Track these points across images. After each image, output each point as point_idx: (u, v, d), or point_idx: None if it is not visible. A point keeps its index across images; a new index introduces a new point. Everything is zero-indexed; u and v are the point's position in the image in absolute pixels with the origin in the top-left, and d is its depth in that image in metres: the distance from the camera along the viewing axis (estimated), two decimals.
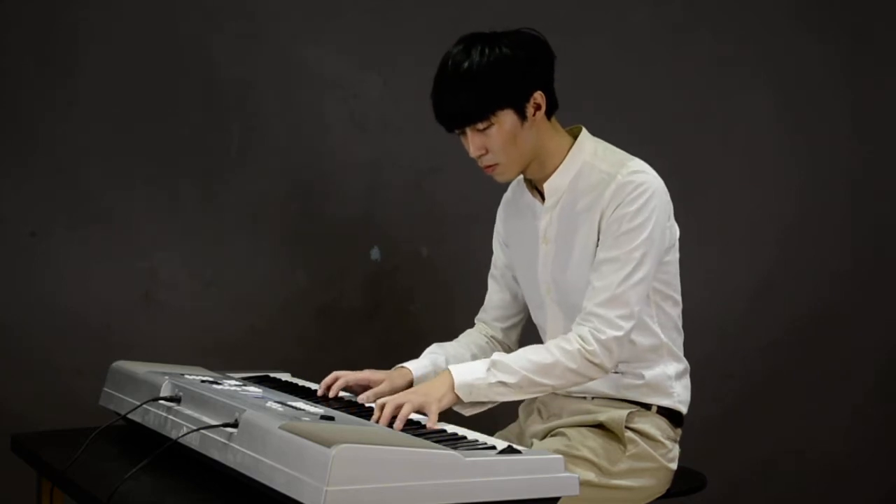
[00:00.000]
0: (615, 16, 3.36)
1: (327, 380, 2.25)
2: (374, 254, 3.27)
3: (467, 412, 2.16)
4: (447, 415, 2.10)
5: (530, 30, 2.24)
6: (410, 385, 2.29)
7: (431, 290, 3.32)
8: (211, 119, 3.09)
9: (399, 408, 2.00)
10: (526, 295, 2.44)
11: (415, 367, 2.32)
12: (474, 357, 2.43)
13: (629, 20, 3.41)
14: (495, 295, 2.52)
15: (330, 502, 1.53)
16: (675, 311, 2.33)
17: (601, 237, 2.20)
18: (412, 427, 1.97)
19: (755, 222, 3.60)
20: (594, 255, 2.22)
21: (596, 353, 2.14)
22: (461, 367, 2.14)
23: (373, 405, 2.19)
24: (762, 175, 3.60)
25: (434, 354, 2.39)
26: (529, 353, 2.17)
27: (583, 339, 2.15)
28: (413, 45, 3.26)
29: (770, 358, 3.62)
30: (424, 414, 2.04)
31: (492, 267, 2.54)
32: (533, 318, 2.45)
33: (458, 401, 2.12)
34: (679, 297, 2.33)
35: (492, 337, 2.51)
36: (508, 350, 2.51)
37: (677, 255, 2.32)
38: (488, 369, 2.13)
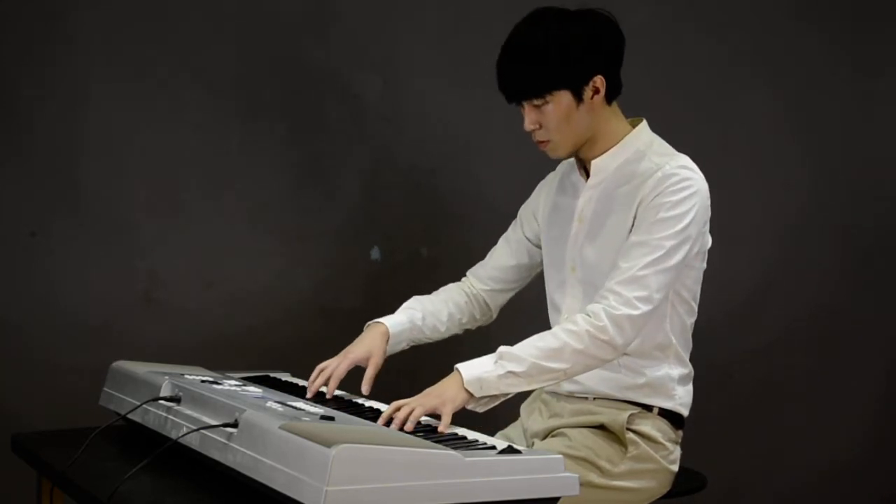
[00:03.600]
0: (615, 16, 3.35)
1: (313, 377, 2.26)
2: (374, 254, 3.27)
3: (481, 408, 2.13)
4: (458, 414, 2.09)
5: (602, 10, 2.24)
6: (387, 342, 2.34)
7: (431, 290, 3.31)
8: (211, 119, 3.09)
9: (412, 411, 2.00)
10: (548, 272, 2.42)
11: (391, 322, 2.37)
12: (450, 316, 2.47)
13: (629, 21, 3.40)
14: (501, 258, 2.52)
15: (330, 502, 1.53)
16: (689, 320, 2.32)
17: (636, 223, 2.20)
18: (423, 431, 1.96)
19: (755, 222, 3.60)
20: (626, 239, 2.21)
21: (605, 329, 2.11)
22: (468, 363, 2.12)
23: (374, 405, 2.20)
24: (762, 175, 3.60)
25: (411, 310, 2.43)
26: (535, 340, 2.15)
27: (593, 316, 2.13)
28: (413, 45, 3.26)
29: (770, 358, 3.62)
30: (437, 416, 2.03)
31: (509, 230, 2.54)
32: (549, 296, 2.43)
33: (471, 397, 2.09)
34: (695, 307, 2.32)
35: (475, 295, 2.52)
36: (486, 311, 2.54)
37: (704, 266, 2.31)
38: (496, 361, 2.11)
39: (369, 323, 2.40)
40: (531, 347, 2.13)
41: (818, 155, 3.64)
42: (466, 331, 2.56)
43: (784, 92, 3.59)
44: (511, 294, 2.54)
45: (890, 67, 3.68)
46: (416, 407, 2.01)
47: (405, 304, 2.45)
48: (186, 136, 3.07)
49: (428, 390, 2.10)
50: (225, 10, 3.09)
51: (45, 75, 2.94)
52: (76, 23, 2.96)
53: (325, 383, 2.27)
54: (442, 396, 2.05)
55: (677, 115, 3.38)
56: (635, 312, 2.13)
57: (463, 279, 2.56)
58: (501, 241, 2.54)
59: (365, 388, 2.22)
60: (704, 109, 3.50)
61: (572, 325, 2.14)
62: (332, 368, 2.27)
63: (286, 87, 3.16)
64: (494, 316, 2.56)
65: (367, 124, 3.24)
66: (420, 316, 2.42)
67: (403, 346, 2.43)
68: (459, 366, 2.12)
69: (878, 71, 3.68)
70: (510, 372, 2.10)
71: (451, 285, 2.55)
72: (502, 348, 2.14)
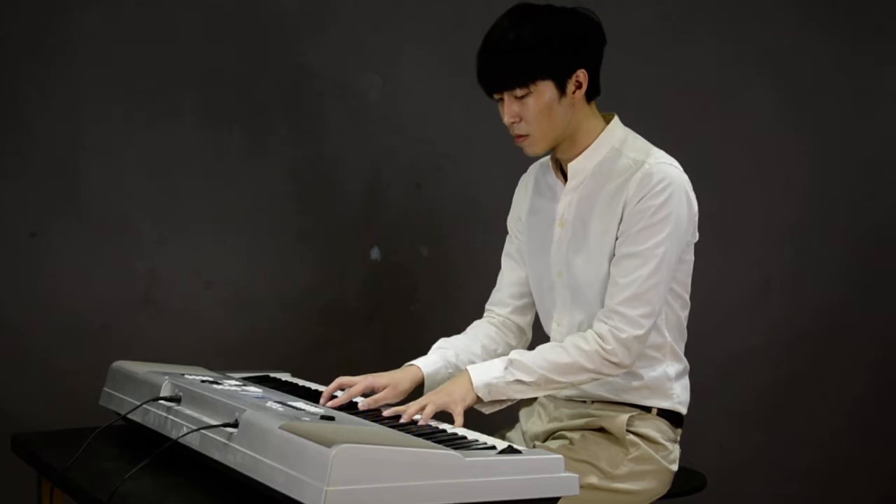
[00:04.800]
0: (615, 15, 3.35)
1: (331, 388, 2.20)
2: (374, 254, 3.27)
3: (487, 410, 2.18)
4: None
5: (586, 10, 2.23)
6: (416, 385, 2.28)
7: (431, 290, 3.32)
8: (211, 119, 3.09)
9: (423, 408, 2.04)
10: (532, 278, 2.41)
11: (424, 363, 2.31)
12: (484, 348, 2.41)
13: (631, 20, 3.41)
14: (512, 273, 2.47)
15: (330, 502, 1.52)
16: (683, 313, 2.32)
17: (623, 228, 2.19)
18: (423, 431, 1.96)
19: (756, 222, 3.59)
20: (613, 242, 2.21)
21: (615, 353, 2.15)
22: (479, 366, 2.16)
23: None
24: (763, 174, 3.60)
25: (442, 350, 2.37)
26: (547, 352, 2.17)
27: (602, 338, 2.15)
28: (413, 45, 3.26)
29: (770, 358, 3.62)
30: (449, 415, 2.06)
31: (506, 246, 2.50)
32: (537, 302, 2.42)
33: (479, 400, 2.14)
34: (688, 299, 2.32)
35: (502, 323, 2.46)
36: (520, 335, 2.48)
37: (692, 257, 2.31)
38: (506, 368, 2.14)
39: (405, 365, 2.33)
40: (542, 359, 2.15)
41: (818, 155, 3.64)
42: None
43: (784, 91, 3.59)
44: (535, 306, 2.48)
45: (890, 67, 3.68)
46: (427, 404, 2.06)
47: (435, 346, 2.38)
48: (186, 136, 3.07)
49: (438, 389, 2.14)
50: (225, 10, 3.09)
51: (45, 75, 2.94)
52: (76, 23, 2.96)
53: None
54: (452, 395, 2.10)
55: (678, 115, 3.40)
56: (641, 332, 2.16)
57: (484, 315, 2.51)
58: (504, 259, 2.51)
59: (362, 405, 2.18)
60: (705, 108, 3.50)
61: (583, 342, 2.16)
62: (349, 383, 2.20)
63: (286, 87, 3.16)
64: (530, 336, 2.50)
65: (367, 124, 3.24)
66: (453, 353, 2.36)
67: None
68: (470, 368, 2.15)
69: (879, 71, 3.68)
70: (518, 381, 2.14)
71: (476, 322, 2.49)
72: (514, 354, 2.16)
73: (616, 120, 2.30)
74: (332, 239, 3.23)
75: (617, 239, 2.21)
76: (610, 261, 2.22)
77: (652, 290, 2.16)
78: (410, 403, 2.08)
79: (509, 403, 2.20)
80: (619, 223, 2.20)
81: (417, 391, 2.29)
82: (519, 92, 2.18)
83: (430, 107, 3.28)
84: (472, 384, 2.12)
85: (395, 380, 2.23)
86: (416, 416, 2.05)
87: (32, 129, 2.94)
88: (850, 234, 3.67)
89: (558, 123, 2.21)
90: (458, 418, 2.06)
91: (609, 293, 2.19)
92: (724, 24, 3.54)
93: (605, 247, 2.22)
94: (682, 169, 2.23)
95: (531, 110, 2.19)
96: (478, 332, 2.44)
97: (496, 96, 2.22)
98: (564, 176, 2.32)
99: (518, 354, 2.17)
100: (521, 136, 2.23)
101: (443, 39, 3.27)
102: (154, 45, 3.02)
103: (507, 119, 2.22)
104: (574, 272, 2.28)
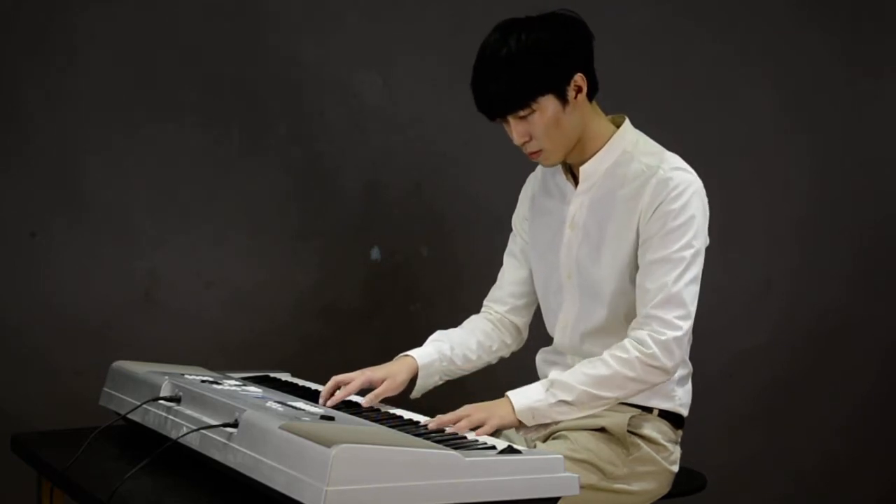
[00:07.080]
0: (615, 15, 3.36)
1: (328, 387, 2.22)
2: (374, 254, 3.27)
3: (533, 436, 2.17)
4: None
5: (567, 11, 2.20)
6: (412, 376, 2.29)
7: (431, 290, 3.32)
8: (211, 119, 3.09)
9: (459, 419, 2.03)
10: (539, 277, 2.40)
11: (419, 354, 2.31)
12: (479, 343, 2.41)
13: (630, 20, 3.41)
14: (514, 272, 2.47)
15: (330, 502, 1.53)
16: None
17: (644, 236, 2.18)
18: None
19: (756, 222, 3.59)
20: (628, 249, 2.20)
21: (656, 356, 2.13)
22: (518, 392, 2.14)
23: (374, 406, 2.19)
24: (762, 175, 3.60)
25: (438, 342, 2.37)
26: (585, 367, 2.16)
27: (641, 344, 2.14)
28: (413, 45, 3.26)
29: (771, 358, 3.62)
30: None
31: (510, 244, 2.50)
32: (542, 301, 2.42)
33: (522, 425, 2.13)
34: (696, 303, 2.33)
35: (500, 320, 2.47)
36: (516, 335, 2.49)
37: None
38: (547, 389, 2.13)
39: (399, 356, 2.35)
40: (581, 375, 2.14)
41: (818, 155, 3.64)
42: (501, 359, 2.50)
43: (785, 92, 3.59)
44: (534, 307, 2.49)
45: (890, 67, 3.68)
46: (463, 417, 2.04)
47: (431, 338, 2.39)
48: (186, 137, 3.07)
49: (477, 405, 2.11)
50: (225, 10, 3.09)
51: (45, 75, 2.94)
52: (77, 23, 2.96)
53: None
54: (491, 411, 2.08)
55: (678, 115, 3.40)
56: (679, 333, 2.15)
57: (482, 310, 2.51)
58: (506, 257, 2.51)
59: (365, 401, 2.19)
60: (705, 109, 3.50)
61: (621, 352, 2.15)
62: (345, 380, 2.22)
63: (286, 87, 3.16)
64: (525, 336, 2.52)
65: (367, 124, 3.24)
66: (448, 346, 2.36)
67: (436, 379, 2.36)
68: (510, 393, 2.14)
69: (879, 71, 3.68)
70: (562, 401, 2.13)
71: (473, 317, 2.49)
72: (553, 375, 2.16)
73: (627, 123, 2.30)
74: (332, 239, 3.23)
75: (638, 248, 2.20)
76: (623, 267, 2.21)
77: (683, 291, 2.15)
78: (448, 415, 2.05)
79: (555, 425, 2.18)
80: (637, 231, 2.19)
81: (413, 381, 2.31)
82: (522, 112, 2.16)
83: (430, 107, 3.28)
84: (513, 410, 2.10)
85: (392, 372, 2.25)
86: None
87: (32, 129, 2.94)
88: (852, 233, 3.67)
89: (569, 131, 2.21)
90: (487, 428, 2.04)
91: (640, 301, 2.18)
92: (724, 24, 3.54)
93: (619, 252, 2.22)
94: (695, 174, 2.23)
95: (539, 127, 2.17)
96: (474, 327, 2.45)
97: (498, 120, 2.21)
98: (573, 177, 2.31)
99: (557, 374, 2.15)
100: (534, 152, 2.22)
101: (443, 40, 3.27)
102: (154, 45, 3.02)
103: (517, 140, 2.21)
104: (586, 275, 2.27)
